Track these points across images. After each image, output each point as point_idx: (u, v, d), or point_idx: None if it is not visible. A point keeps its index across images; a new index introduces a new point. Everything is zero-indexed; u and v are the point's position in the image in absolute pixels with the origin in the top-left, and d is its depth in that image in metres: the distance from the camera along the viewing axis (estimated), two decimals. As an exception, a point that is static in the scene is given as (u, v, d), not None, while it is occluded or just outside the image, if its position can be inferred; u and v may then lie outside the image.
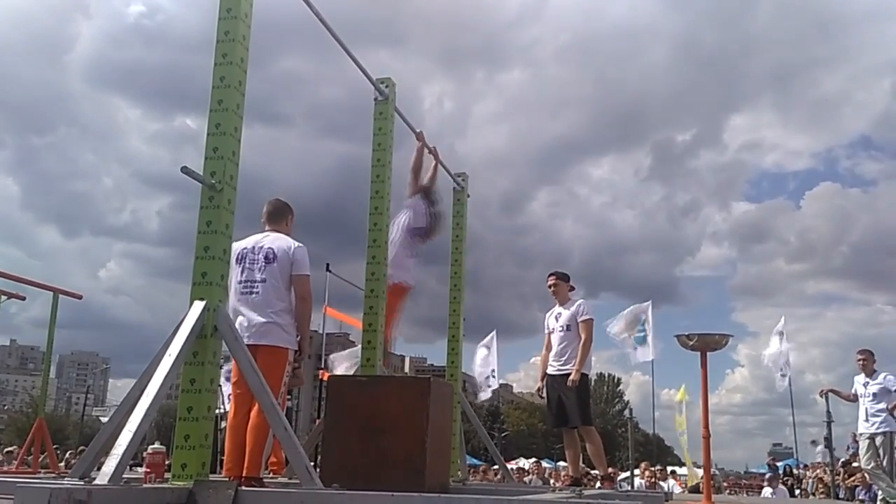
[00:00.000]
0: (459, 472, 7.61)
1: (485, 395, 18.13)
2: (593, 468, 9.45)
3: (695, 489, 14.00)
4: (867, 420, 9.06)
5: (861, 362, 9.30)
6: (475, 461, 23.07)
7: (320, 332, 15.05)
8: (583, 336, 7.00)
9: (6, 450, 15.99)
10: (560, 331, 7.12)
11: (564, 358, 7.05)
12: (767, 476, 16.08)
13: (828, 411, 11.59)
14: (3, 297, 9.95)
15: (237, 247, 4.91)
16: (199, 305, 3.81)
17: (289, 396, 8.62)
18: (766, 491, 14.09)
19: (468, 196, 8.35)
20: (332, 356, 13.63)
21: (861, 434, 9.23)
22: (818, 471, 17.46)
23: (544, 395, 7.33)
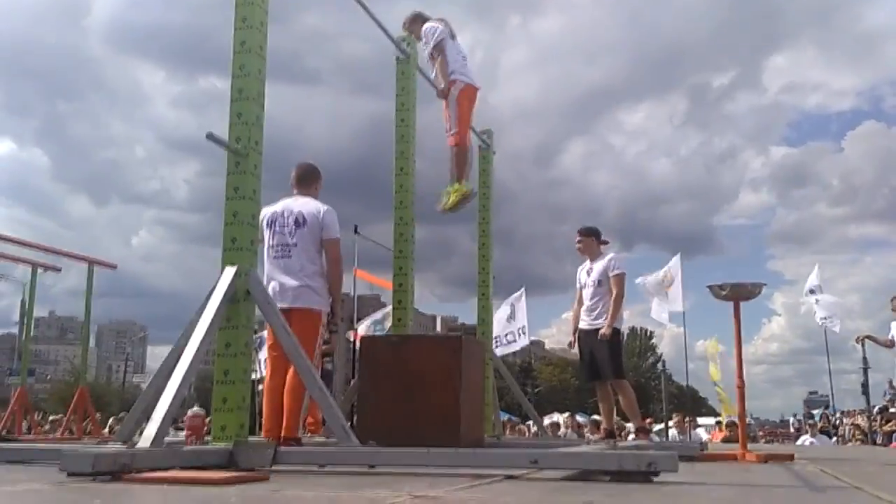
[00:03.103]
0: (494, 428, 7.68)
1: (502, 352, 18.07)
2: (627, 421, 9.49)
3: (728, 439, 14.00)
4: (905, 365, 8.97)
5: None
6: (513, 417, 23.20)
7: (352, 294, 15.17)
8: (614, 291, 6.97)
9: (51, 418, 16.40)
10: (592, 286, 7.09)
11: (596, 312, 7.03)
12: (809, 423, 16.02)
13: (864, 357, 11.48)
14: (40, 270, 10.14)
15: (267, 211, 4.94)
16: (230, 271, 3.85)
17: (328, 359, 8.71)
18: (806, 439, 14.04)
19: (494, 153, 8.30)
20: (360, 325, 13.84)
21: None
22: (855, 418, 17.36)
23: (577, 349, 7.34)
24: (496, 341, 16.89)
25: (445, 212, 6.17)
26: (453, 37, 6.31)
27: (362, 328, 13.70)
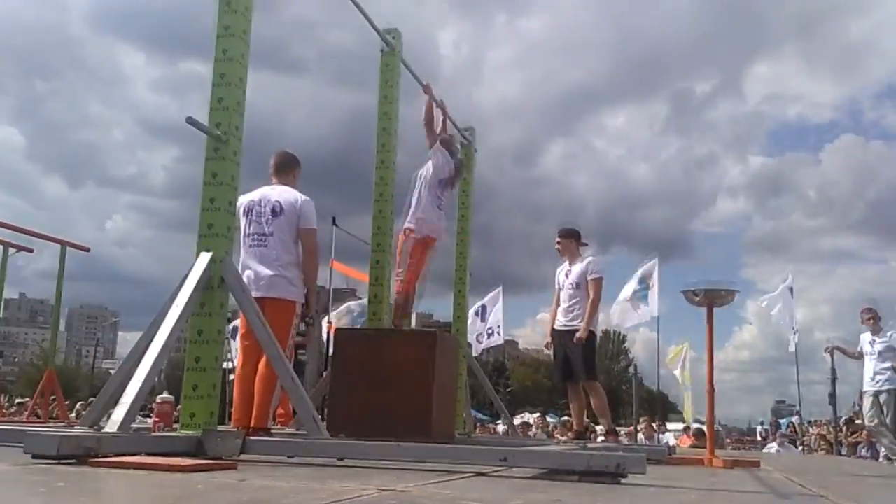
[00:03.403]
0: (465, 426, 7.68)
1: (475, 352, 18.10)
2: (597, 423, 9.54)
3: (696, 445, 14.11)
4: (872, 378, 9.09)
5: (869, 320, 9.29)
6: (481, 416, 23.27)
7: (327, 287, 15.13)
8: (591, 295, 6.98)
9: (17, 401, 16.19)
10: (570, 288, 7.10)
11: (572, 315, 7.05)
12: (778, 433, 16.16)
13: (832, 368, 11.62)
14: (12, 250, 10.00)
15: (244, 199, 4.89)
16: (205, 257, 3.82)
17: (302, 351, 8.67)
18: (772, 447, 14.19)
19: (475, 150, 8.31)
20: (332, 313, 13.77)
21: (865, 391, 9.27)
22: (821, 428, 17.57)
23: (551, 350, 7.35)
24: (478, 338, 16.93)
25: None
26: (453, 178, 6.30)
27: (334, 316, 13.63)
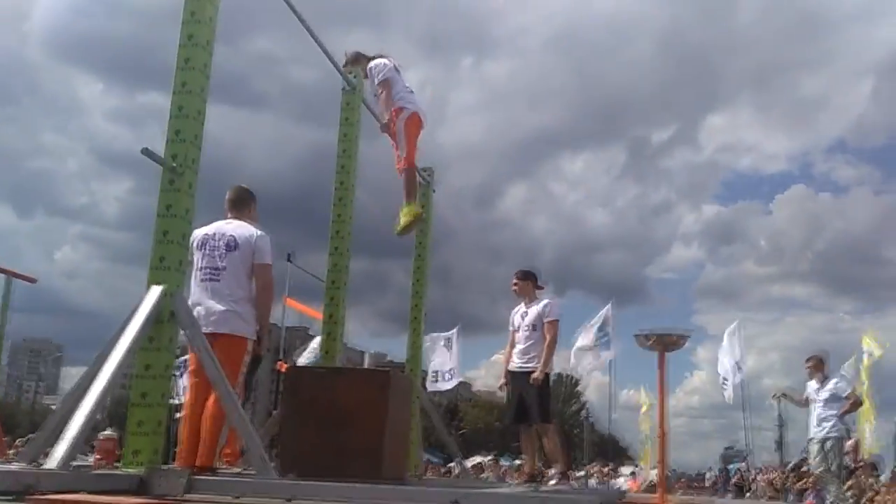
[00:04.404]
0: (416, 468, 7.60)
1: (439, 388, 18.02)
2: (550, 467, 9.51)
3: (649, 488, 14.16)
4: (818, 425, 9.22)
5: (808, 369, 9.45)
6: (433, 458, 23.06)
7: (279, 324, 14.96)
8: (548, 337, 7.00)
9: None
10: (526, 329, 7.10)
11: (528, 356, 7.04)
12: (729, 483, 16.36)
13: (780, 415, 11.82)
14: (-46, 280, 9.72)
15: (199, 233, 4.83)
16: (156, 290, 3.75)
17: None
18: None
19: (434, 191, 8.34)
20: (296, 354, 13.64)
21: (811, 439, 9.40)
22: (769, 474, 17.77)
23: (505, 392, 7.32)
24: (434, 376, 16.88)
25: (400, 234, 5.86)
26: (398, 71, 6.09)
27: (302, 357, 13.49)
